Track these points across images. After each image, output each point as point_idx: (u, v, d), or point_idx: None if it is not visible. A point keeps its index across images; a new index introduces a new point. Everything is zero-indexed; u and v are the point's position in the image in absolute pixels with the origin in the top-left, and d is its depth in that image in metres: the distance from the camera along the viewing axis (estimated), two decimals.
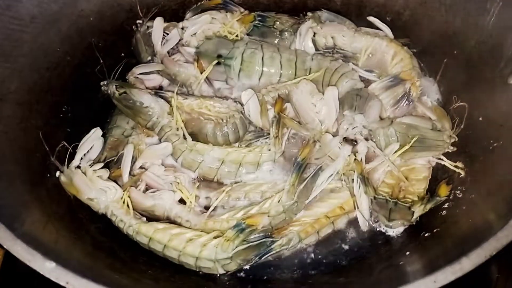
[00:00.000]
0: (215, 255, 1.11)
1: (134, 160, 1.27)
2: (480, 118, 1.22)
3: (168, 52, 1.48)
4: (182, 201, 1.23)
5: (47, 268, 0.83)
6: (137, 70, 1.43)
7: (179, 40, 1.49)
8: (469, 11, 1.28)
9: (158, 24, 1.48)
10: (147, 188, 1.25)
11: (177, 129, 1.30)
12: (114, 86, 1.32)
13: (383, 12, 1.51)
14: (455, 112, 1.30)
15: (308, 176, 1.19)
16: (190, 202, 1.22)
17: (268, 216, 1.15)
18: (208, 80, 1.42)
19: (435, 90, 1.39)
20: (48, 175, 1.19)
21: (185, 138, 1.29)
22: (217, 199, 1.22)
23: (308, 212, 1.20)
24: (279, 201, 1.17)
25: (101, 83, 1.34)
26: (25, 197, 1.06)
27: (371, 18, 1.50)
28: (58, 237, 1.01)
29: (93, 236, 1.14)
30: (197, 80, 1.41)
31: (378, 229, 1.20)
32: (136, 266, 1.11)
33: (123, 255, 1.12)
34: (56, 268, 0.83)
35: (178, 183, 1.24)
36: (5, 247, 0.86)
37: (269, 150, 1.28)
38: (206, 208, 1.23)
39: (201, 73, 1.41)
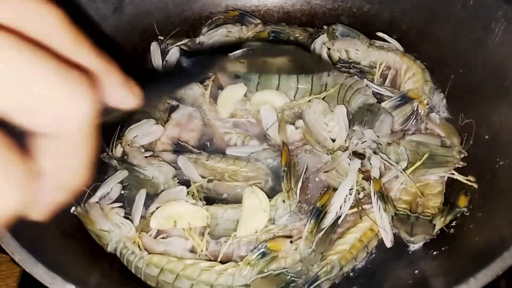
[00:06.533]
0: (232, 281, 1.05)
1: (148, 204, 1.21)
2: (487, 137, 1.24)
3: None
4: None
5: None
6: (130, 134, 1.32)
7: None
8: (474, 30, 1.30)
9: (155, 48, 1.50)
10: (159, 232, 1.19)
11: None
12: (115, 161, 1.26)
13: (389, 30, 1.54)
14: (462, 130, 1.31)
15: (327, 224, 1.14)
16: (201, 250, 1.15)
17: (284, 268, 1.09)
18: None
19: (443, 106, 1.40)
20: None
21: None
22: (226, 243, 1.15)
23: (342, 239, 1.16)
24: (296, 249, 1.11)
25: (101, 156, 1.28)
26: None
27: (380, 34, 1.53)
28: (76, 259, 1.04)
29: (108, 257, 1.14)
30: (205, 99, 1.41)
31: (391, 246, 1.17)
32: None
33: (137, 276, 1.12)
34: None
35: (191, 228, 1.16)
36: (26, 270, 0.88)
37: (283, 202, 1.19)
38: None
39: (219, 87, 1.44)
